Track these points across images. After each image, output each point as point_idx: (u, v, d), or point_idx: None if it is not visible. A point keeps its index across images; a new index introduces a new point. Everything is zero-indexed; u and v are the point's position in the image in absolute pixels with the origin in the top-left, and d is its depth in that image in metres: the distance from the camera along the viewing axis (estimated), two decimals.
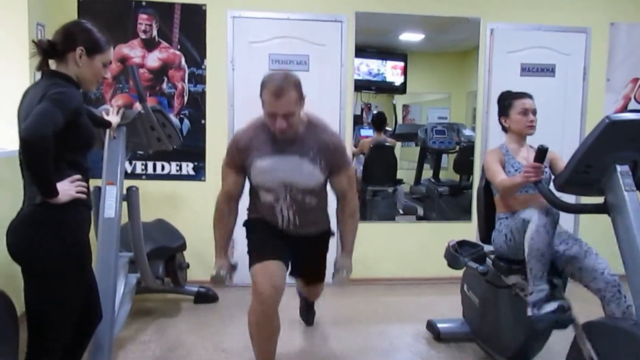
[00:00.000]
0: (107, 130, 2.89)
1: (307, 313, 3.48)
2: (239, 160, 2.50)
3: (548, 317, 2.44)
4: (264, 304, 2.36)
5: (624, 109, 4.65)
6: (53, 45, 1.95)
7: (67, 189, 1.89)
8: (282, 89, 2.26)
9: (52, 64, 2.00)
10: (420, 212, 4.94)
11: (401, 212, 4.88)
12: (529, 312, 2.52)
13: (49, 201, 1.85)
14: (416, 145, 5.01)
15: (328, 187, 2.66)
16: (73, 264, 1.94)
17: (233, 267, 2.67)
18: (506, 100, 2.96)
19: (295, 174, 2.47)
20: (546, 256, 2.49)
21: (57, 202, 1.85)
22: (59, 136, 1.79)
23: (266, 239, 2.59)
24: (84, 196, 1.97)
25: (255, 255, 2.52)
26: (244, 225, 2.71)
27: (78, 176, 1.95)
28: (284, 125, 2.31)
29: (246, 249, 2.62)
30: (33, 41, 1.97)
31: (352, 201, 2.66)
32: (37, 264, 1.89)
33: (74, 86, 1.97)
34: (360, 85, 4.58)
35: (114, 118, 2.86)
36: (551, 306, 2.45)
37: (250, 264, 2.50)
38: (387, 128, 4.90)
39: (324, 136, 2.49)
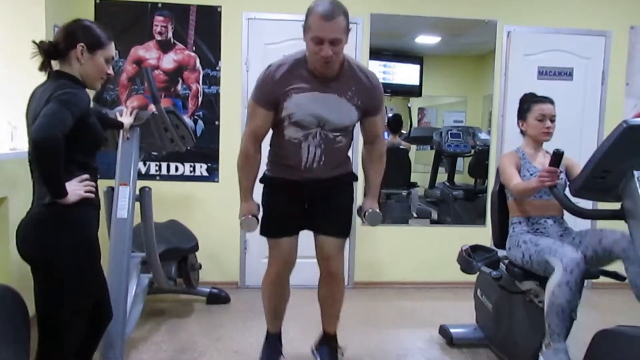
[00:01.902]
0: (121, 132, 2.91)
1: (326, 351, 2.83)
2: (272, 94, 2.38)
3: None
4: (277, 273, 2.65)
5: None
6: (55, 45, 1.97)
7: (76, 188, 1.90)
8: (333, 12, 2.19)
9: (55, 65, 2.01)
10: (435, 215, 4.90)
11: (415, 215, 4.85)
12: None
13: (58, 201, 1.86)
14: (431, 148, 4.97)
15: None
16: (82, 264, 1.95)
17: (259, 208, 2.64)
18: (525, 104, 2.92)
19: (332, 112, 2.40)
20: (566, 312, 2.40)
21: (66, 202, 1.86)
22: (67, 137, 1.80)
23: (280, 211, 2.60)
24: (92, 196, 1.98)
25: (269, 228, 2.61)
26: (261, 181, 2.66)
27: (86, 176, 1.96)
28: (330, 53, 2.20)
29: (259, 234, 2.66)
30: (34, 42, 1.98)
31: (382, 143, 2.65)
32: (46, 264, 1.90)
33: (80, 86, 1.98)
34: None
35: (126, 119, 2.87)
36: None
37: (265, 234, 2.62)
38: (402, 131, 4.87)
39: (363, 76, 2.43)
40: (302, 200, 2.62)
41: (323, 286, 2.73)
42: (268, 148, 2.65)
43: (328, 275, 2.68)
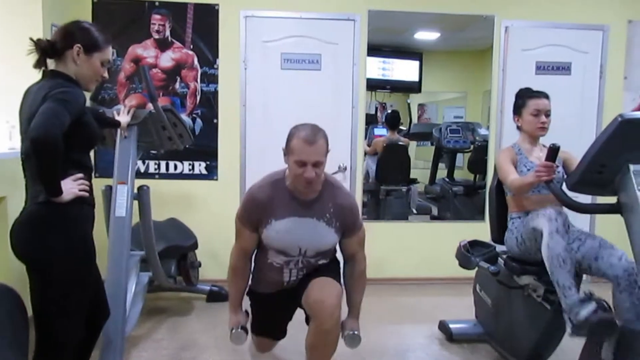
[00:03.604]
0: (119, 130, 2.92)
1: None
2: (254, 219, 2.42)
3: (589, 320, 2.21)
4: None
5: None
6: (52, 44, 1.98)
7: (70, 187, 1.91)
8: (314, 136, 2.25)
9: (51, 64, 2.01)
10: (435, 211, 4.90)
11: (415, 211, 4.85)
12: (568, 330, 2.34)
13: (53, 200, 1.86)
14: (431, 144, 4.97)
15: None
16: (77, 262, 1.96)
17: (248, 317, 2.66)
18: (520, 99, 2.92)
19: (312, 238, 2.43)
20: (568, 262, 2.37)
21: (61, 200, 1.87)
22: (64, 135, 1.80)
23: (267, 317, 2.70)
24: (86, 194, 1.99)
25: (256, 329, 2.73)
26: (247, 294, 2.68)
27: (80, 175, 1.97)
28: (312, 175, 2.25)
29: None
30: (31, 39, 1.98)
31: (362, 262, 2.61)
32: (42, 262, 1.91)
33: (76, 86, 1.99)
34: (375, 85, 4.56)
35: (123, 118, 2.88)
36: (589, 308, 2.24)
37: (252, 330, 2.71)
38: (401, 127, 4.87)
39: (340, 197, 2.45)
40: (287, 302, 2.63)
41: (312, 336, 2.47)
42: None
43: (320, 332, 2.40)
